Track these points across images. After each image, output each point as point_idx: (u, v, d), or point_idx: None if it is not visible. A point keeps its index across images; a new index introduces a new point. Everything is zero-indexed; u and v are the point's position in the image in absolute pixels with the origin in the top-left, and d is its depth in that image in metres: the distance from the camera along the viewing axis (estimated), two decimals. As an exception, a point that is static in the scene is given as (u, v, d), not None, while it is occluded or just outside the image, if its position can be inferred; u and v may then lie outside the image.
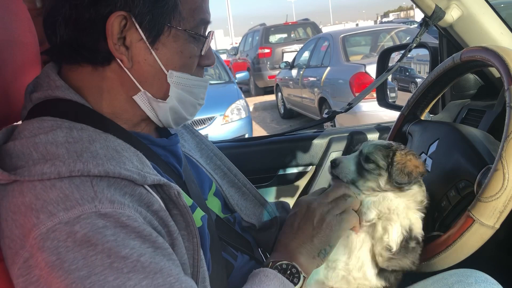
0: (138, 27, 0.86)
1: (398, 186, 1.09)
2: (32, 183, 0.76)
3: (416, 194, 1.11)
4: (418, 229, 1.08)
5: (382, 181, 1.09)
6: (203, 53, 0.97)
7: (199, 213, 0.96)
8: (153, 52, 0.89)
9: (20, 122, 0.94)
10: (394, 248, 1.04)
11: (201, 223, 0.95)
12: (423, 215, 1.11)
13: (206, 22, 0.96)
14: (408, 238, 1.05)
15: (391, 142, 1.16)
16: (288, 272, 0.95)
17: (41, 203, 0.73)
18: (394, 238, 1.04)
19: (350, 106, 2.09)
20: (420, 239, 1.09)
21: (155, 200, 0.81)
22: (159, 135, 1.05)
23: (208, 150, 1.27)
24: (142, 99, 0.93)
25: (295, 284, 0.94)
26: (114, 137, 0.86)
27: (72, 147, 0.79)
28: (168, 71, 0.91)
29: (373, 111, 5.62)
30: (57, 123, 0.84)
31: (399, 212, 1.05)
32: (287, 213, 1.18)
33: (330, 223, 1.03)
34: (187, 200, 0.94)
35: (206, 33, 0.97)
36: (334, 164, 1.14)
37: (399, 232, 1.05)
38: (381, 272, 1.08)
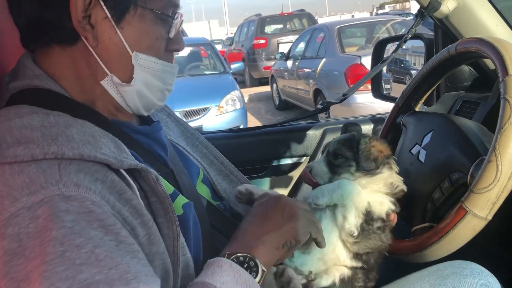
0: (102, 4, 0.85)
1: (368, 172, 1.12)
2: (2, 168, 0.74)
3: (388, 177, 1.14)
4: (379, 210, 1.10)
5: (353, 170, 1.12)
6: (171, 35, 0.96)
7: (181, 201, 0.94)
8: (118, 31, 0.88)
9: None
10: (356, 232, 1.07)
11: (182, 211, 0.92)
12: (392, 198, 1.13)
13: (174, 4, 0.95)
14: (368, 219, 1.08)
15: (353, 133, 1.19)
16: (245, 265, 0.85)
17: (7, 189, 0.71)
18: (353, 223, 1.07)
19: (344, 97, 2.08)
20: (385, 218, 1.10)
21: (127, 188, 0.78)
22: (141, 124, 1.04)
23: (193, 139, 1.26)
24: (109, 84, 0.91)
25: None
26: (92, 124, 0.85)
27: (47, 131, 0.78)
28: (133, 52, 0.90)
29: (367, 103, 5.62)
30: (34, 109, 0.83)
31: (353, 197, 1.08)
32: None
33: (301, 218, 0.97)
34: (168, 188, 0.92)
35: (175, 16, 0.95)
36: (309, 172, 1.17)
37: (356, 216, 1.07)
38: (356, 254, 1.10)
